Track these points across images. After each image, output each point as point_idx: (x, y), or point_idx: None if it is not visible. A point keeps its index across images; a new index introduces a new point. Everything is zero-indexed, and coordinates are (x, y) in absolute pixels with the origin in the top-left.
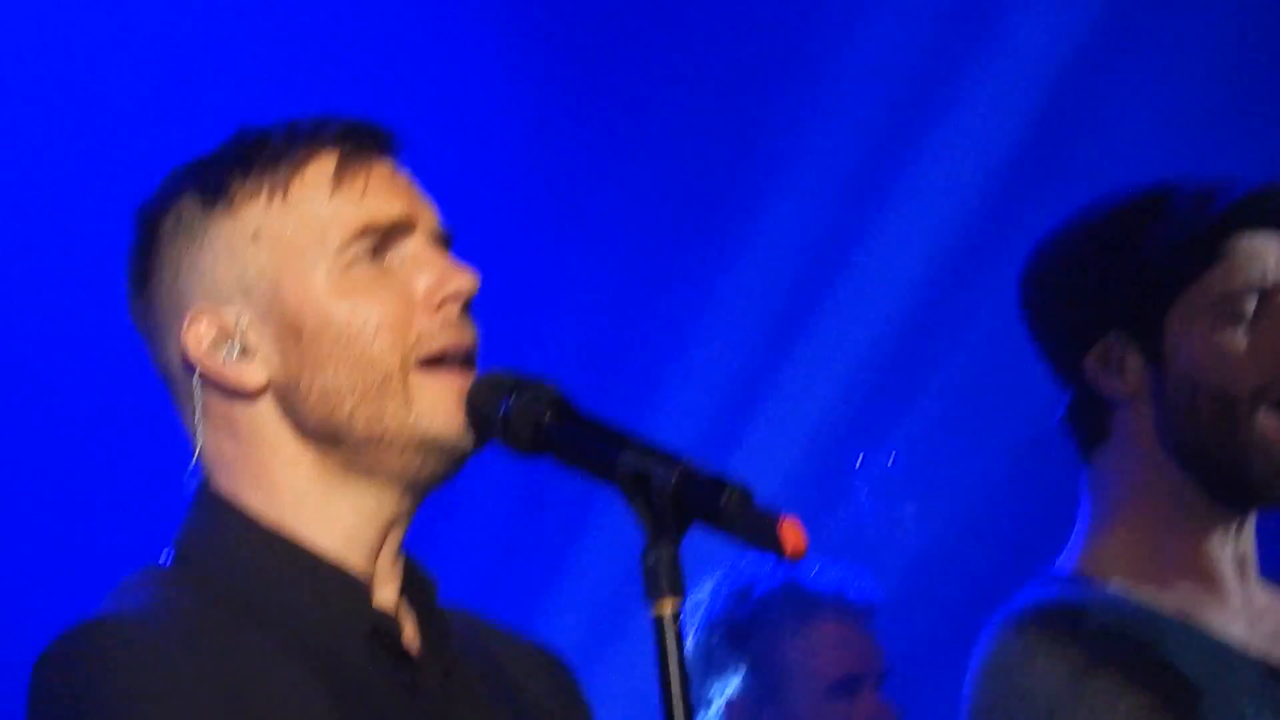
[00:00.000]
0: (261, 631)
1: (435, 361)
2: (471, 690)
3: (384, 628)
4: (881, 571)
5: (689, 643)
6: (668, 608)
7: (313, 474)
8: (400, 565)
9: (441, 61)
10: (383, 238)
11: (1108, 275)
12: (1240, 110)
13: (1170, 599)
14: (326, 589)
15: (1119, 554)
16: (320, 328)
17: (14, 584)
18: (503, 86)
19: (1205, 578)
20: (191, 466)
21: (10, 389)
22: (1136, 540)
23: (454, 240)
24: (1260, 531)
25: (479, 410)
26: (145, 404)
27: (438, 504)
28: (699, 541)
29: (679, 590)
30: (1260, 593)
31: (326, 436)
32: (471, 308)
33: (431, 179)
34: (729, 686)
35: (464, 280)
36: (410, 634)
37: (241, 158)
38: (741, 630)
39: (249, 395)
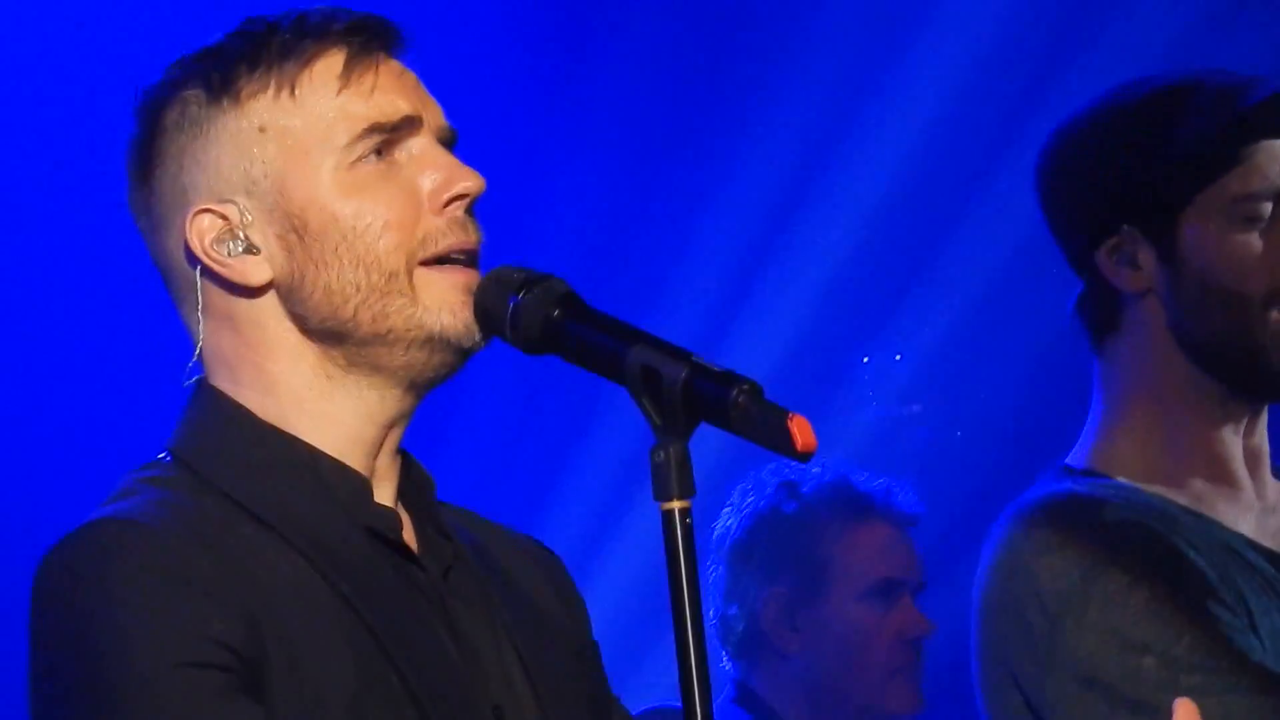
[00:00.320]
0: (263, 527)
1: (440, 261)
2: (470, 585)
3: (385, 523)
4: (888, 471)
5: (733, 532)
6: (676, 505)
7: (314, 371)
8: (398, 463)
9: None
10: (390, 135)
11: (1125, 170)
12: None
13: (1181, 492)
14: (327, 485)
15: (1130, 448)
16: (325, 226)
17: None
18: None
19: (1217, 471)
20: (191, 363)
21: None
22: (1147, 434)
23: (458, 141)
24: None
25: (487, 307)
26: (132, 304)
27: (441, 402)
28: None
29: (688, 487)
30: (1273, 487)
31: (329, 334)
32: (474, 210)
33: (429, 79)
34: (770, 579)
35: (471, 181)
36: (408, 531)
37: (248, 51)
38: (788, 523)
39: (252, 291)
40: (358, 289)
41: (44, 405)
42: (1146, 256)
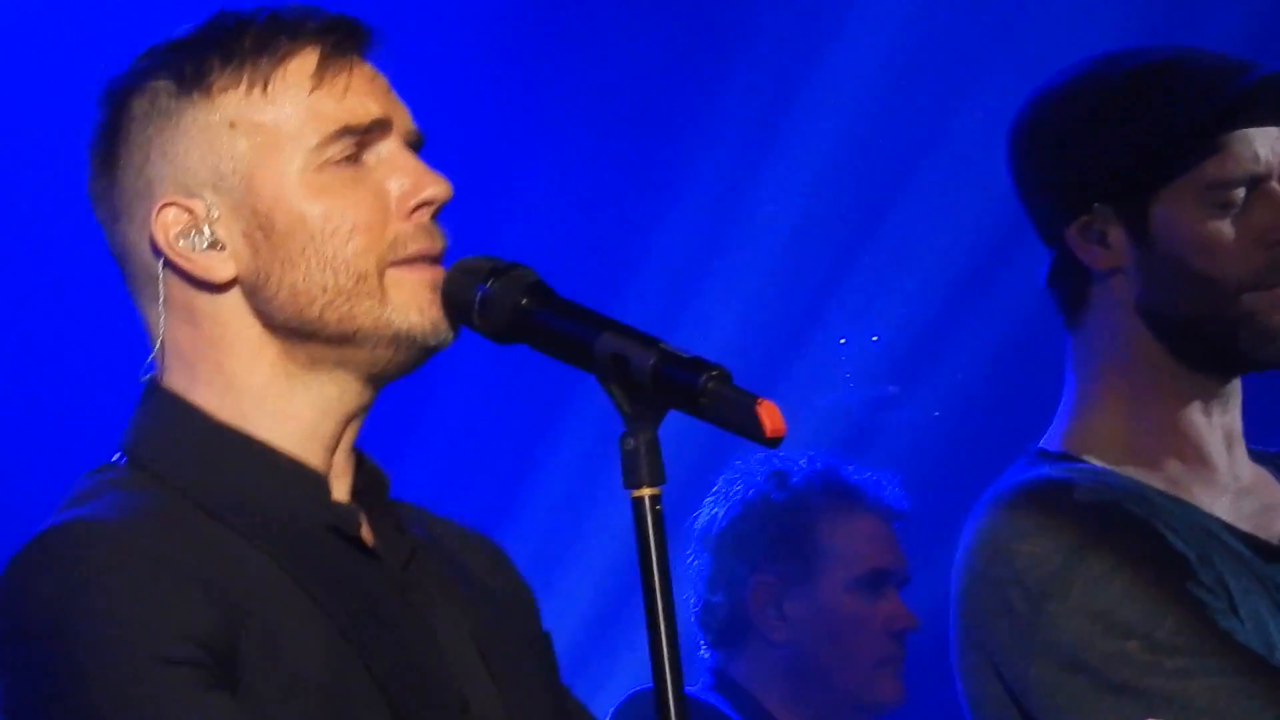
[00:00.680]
0: (225, 525)
1: (408, 263)
2: (429, 578)
3: (344, 519)
4: (865, 454)
5: (719, 520)
6: (647, 492)
7: (275, 367)
8: (353, 460)
9: None
10: (361, 138)
11: (1100, 149)
12: None
13: (1157, 475)
14: (285, 483)
15: (1104, 429)
16: (293, 225)
17: None
18: None
19: (1191, 453)
20: (151, 358)
21: None
22: (1120, 415)
23: (424, 144)
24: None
25: (455, 296)
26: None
27: (409, 393)
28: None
29: (658, 474)
30: (1247, 467)
31: (293, 332)
32: (440, 216)
33: (389, 64)
34: (758, 566)
35: (439, 187)
36: (366, 527)
37: (221, 45)
38: (778, 511)
39: (215, 287)
40: (324, 290)
41: None
42: (1117, 236)
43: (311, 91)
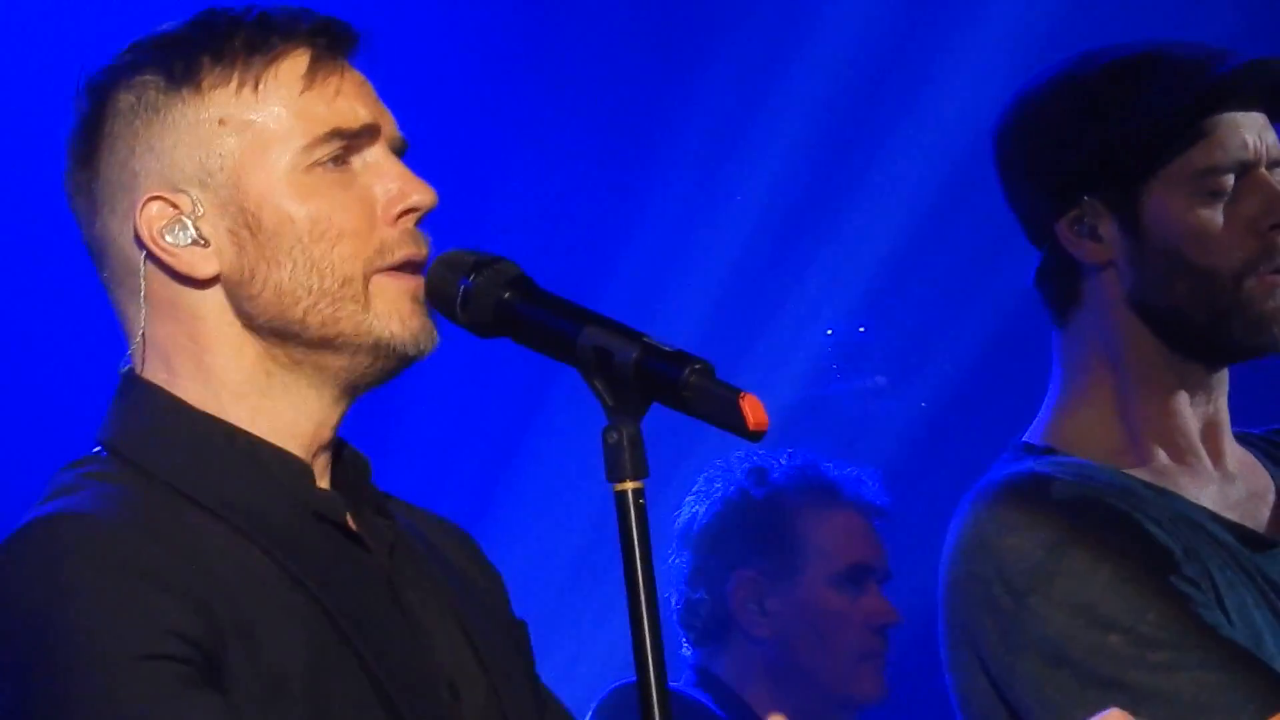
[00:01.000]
0: (209, 514)
1: (394, 271)
2: (413, 564)
3: (328, 506)
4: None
5: (700, 517)
6: (630, 486)
7: (254, 367)
8: (333, 449)
9: None
10: (349, 142)
11: (1087, 142)
12: None
13: (1142, 467)
14: (270, 472)
15: (1089, 423)
16: (279, 225)
17: None
18: None
19: (1176, 444)
20: (130, 351)
21: None
22: (1107, 408)
23: (408, 150)
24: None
25: (438, 290)
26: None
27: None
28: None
29: (642, 468)
30: (1233, 457)
31: (275, 332)
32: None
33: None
34: (739, 562)
35: (425, 195)
36: (349, 513)
37: (212, 43)
38: (758, 508)
39: (198, 283)
40: (309, 291)
41: None
42: (1108, 228)
43: (302, 92)
